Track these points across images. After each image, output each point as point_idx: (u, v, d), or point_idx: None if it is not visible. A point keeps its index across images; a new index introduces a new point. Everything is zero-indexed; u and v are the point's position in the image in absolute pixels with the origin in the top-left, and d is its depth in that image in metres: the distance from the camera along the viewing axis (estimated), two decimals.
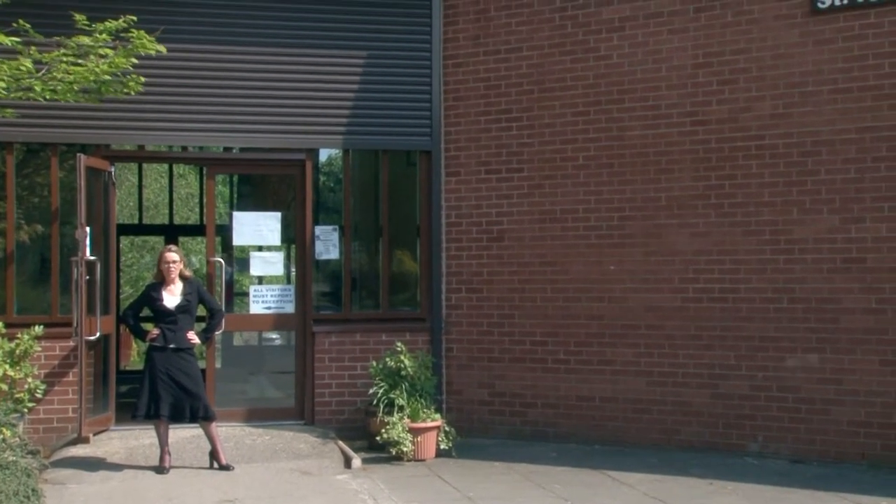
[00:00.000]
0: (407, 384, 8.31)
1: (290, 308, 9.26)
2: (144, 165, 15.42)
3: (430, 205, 9.40)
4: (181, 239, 19.13)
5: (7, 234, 8.60)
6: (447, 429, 8.35)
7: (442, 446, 8.27)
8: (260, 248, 9.61)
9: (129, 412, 7.76)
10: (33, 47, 7.39)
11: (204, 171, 11.96)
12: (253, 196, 11.82)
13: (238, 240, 9.43)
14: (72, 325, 8.22)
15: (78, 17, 7.55)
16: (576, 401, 8.89)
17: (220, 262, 9.15)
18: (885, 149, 7.79)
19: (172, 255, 7.62)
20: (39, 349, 8.18)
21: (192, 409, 7.41)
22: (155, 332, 7.51)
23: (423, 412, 8.22)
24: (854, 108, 7.90)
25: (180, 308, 7.51)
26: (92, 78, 7.53)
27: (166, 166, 16.93)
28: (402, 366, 8.35)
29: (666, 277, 8.58)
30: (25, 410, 7.84)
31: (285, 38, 9.12)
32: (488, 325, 9.23)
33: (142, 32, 7.66)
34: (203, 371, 8.33)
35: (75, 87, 7.60)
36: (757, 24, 8.27)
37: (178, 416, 7.43)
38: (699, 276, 8.46)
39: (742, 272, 8.29)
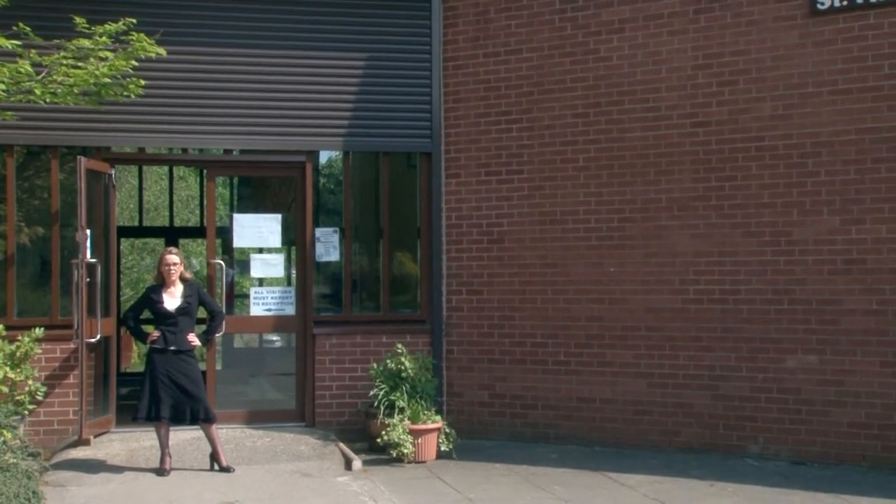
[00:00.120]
0: (407, 386, 8.31)
1: (290, 310, 9.26)
2: (145, 168, 15.43)
3: (430, 207, 9.41)
4: (181, 241, 19.15)
5: (7, 237, 8.60)
6: (448, 430, 8.35)
7: (442, 448, 8.27)
8: (260, 250, 9.61)
9: (129, 414, 7.76)
10: (33, 50, 7.41)
11: (204, 174, 11.99)
12: (253, 198, 11.83)
13: (238, 242, 9.43)
14: (72, 328, 8.22)
15: (78, 19, 7.56)
16: (576, 402, 8.89)
17: (220, 264, 9.15)
18: (884, 150, 7.79)
19: (173, 258, 7.62)
20: (40, 351, 8.20)
21: (192, 411, 7.41)
22: (155, 334, 7.51)
23: (424, 414, 8.22)
24: (854, 109, 7.90)
25: (181, 310, 7.51)
26: (92, 81, 7.55)
27: (166, 168, 16.93)
28: (403, 368, 8.35)
29: (666, 279, 8.58)
30: (26, 413, 7.85)
31: (285, 41, 9.13)
32: (489, 327, 9.23)
33: (141, 35, 7.68)
34: (203, 373, 8.33)
35: (75, 90, 7.62)
36: (756, 25, 8.27)
37: (178, 418, 7.43)
38: (699, 278, 8.46)
39: (742, 274, 8.30)
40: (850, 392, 7.87)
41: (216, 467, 7.52)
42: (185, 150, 9.74)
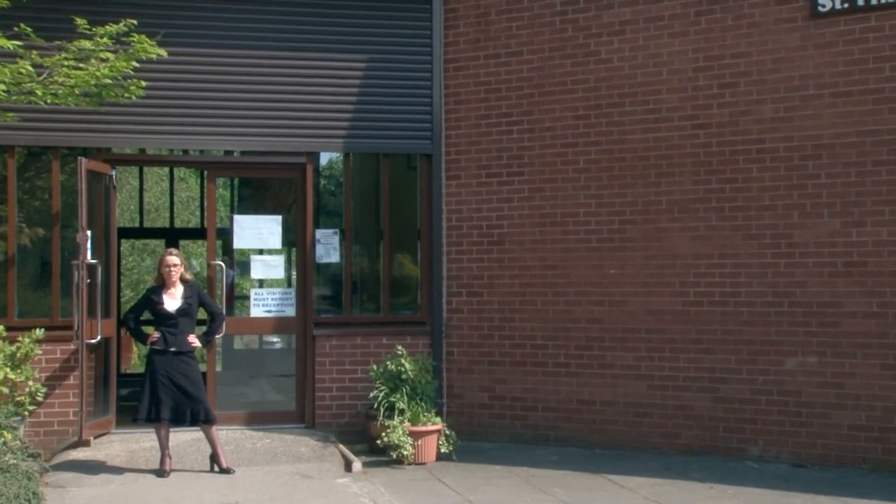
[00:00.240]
0: (407, 388, 8.31)
1: (290, 311, 9.26)
2: (145, 169, 15.41)
3: (430, 208, 9.41)
4: (182, 242, 19.11)
5: (8, 238, 8.60)
6: (448, 432, 8.34)
7: (442, 450, 8.26)
8: (261, 252, 9.61)
9: (129, 415, 7.75)
10: (34, 51, 7.41)
11: (205, 175, 12.00)
12: (254, 199, 11.82)
13: (239, 243, 9.43)
14: (73, 329, 8.22)
15: (79, 21, 7.56)
16: (576, 404, 8.88)
17: (220, 265, 9.15)
18: (885, 152, 7.79)
19: (173, 259, 7.62)
20: (40, 352, 8.20)
21: (192, 413, 7.40)
22: (155, 335, 7.50)
23: (424, 416, 8.22)
24: (855, 111, 7.90)
25: (181, 311, 7.51)
26: (93, 82, 7.55)
27: (167, 170, 16.91)
28: (403, 369, 8.34)
29: (667, 281, 8.58)
30: (26, 414, 7.85)
31: (286, 42, 9.13)
32: (489, 329, 9.23)
33: (143, 36, 7.68)
34: (204, 374, 8.33)
35: (76, 91, 7.62)
36: (757, 27, 8.28)
37: (178, 420, 7.42)
38: (700, 280, 8.45)
39: (743, 276, 8.29)
40: (850, 395, 7.87)
41: (216, 469, 7.51)
42: (185, 152, 9.74)
